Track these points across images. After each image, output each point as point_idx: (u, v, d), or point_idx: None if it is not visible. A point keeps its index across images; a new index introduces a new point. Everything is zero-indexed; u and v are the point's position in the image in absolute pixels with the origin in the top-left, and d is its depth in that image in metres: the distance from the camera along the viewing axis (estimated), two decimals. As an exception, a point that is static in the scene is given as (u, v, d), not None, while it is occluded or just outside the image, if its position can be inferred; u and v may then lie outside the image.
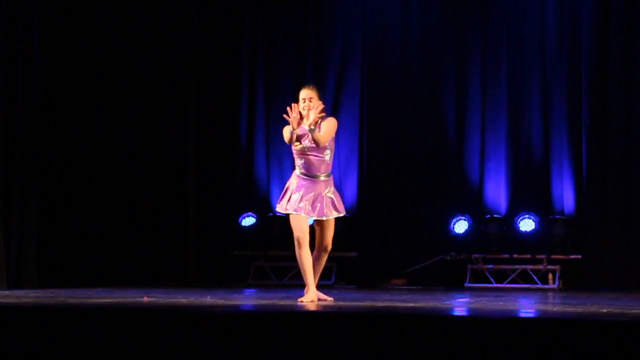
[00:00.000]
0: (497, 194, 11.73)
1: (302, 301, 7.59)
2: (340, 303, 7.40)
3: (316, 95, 8.07)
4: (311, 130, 7.86)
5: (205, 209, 12.44)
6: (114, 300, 7.37)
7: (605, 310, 6.65)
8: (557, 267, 11.25)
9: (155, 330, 5.86)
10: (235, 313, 6.20)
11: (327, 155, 8.04)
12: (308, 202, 7.92)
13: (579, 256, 11.22)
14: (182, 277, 12.07)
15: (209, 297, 7.99)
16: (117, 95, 11.34)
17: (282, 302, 7.46)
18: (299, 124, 7.96)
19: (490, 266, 11.47)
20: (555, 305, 7.65)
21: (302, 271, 7.88)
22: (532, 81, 11.73)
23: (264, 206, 12.30)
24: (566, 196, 11.42)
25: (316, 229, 8.12)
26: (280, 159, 12.45)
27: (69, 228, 10.61)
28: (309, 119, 7.90)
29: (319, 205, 7.98)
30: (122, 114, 11.40)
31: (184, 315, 6.10)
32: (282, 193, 8.13)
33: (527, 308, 7.25)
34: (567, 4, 11.56)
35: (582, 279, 11.14)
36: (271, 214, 12.21)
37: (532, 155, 11.64)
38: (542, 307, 7.44)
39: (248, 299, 8.29)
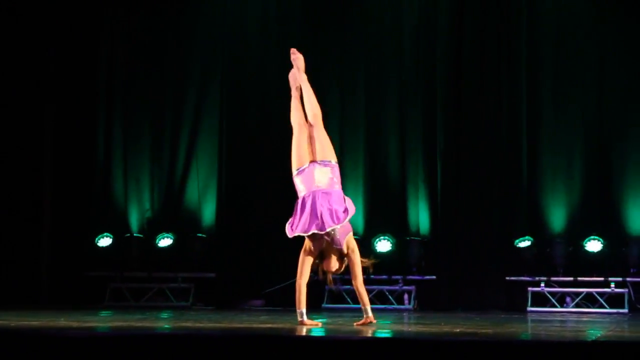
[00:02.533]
0: (354, 215, 11.83)
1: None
2: (198, 324, 7.35)
3: None
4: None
5: (60, 229, 12.17)
6: (-37, 324, 7.12)
7: (458, 330, 6.80)
8: (412, 287, 11.45)
9: (6, 354, 5.69)
10: (90, 336, 6.07)
11: None
12: None
13: (434, 277, 11.45)
14: (35, 298, 11.75)
15: (62, 319, 7.81)
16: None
17: (139, 324, 7.35)
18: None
19: (347, 287, 11.57)
20: (410, 326, 7.78)
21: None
22: (389, 105, 11.96)
23: (121, 227, 12.13)
24: (422, 218, 11.65)
25: None
26: (138, 180, 12.33)
27: None
28: None
29: None
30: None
31: (36, 338, 5.94)
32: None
33: (383, 328, 7.34)
34: (423, 32, 11.86)
35: (437, 299, 11.37)
36: (128, 235, 12.07)
37: (388, 178, 11.85)
38: (397, 327, 7.55)
39: (104, 321, 8.13)
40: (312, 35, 12.18)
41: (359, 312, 9.35)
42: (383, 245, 11.53)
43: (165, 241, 12.00)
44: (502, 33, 11.62)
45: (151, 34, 12.44)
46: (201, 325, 7.31)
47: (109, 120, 12.44)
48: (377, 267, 11.51)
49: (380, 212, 11.81)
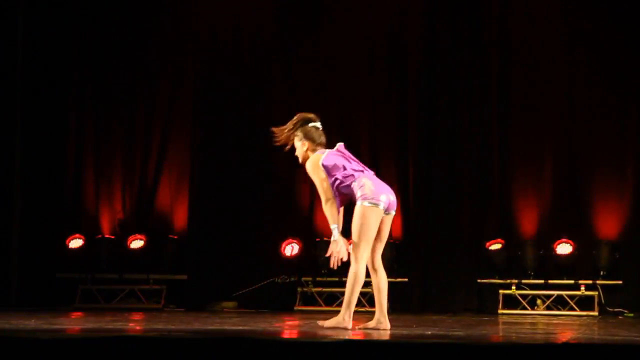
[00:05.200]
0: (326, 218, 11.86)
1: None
2: (170, 326, 7.33)
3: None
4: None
5: (31, 230, 12.08)
6: None
7: (430, 332, 6.83)
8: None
9: (-24, 357, 5.65)
10: (60, 337, 6.04)
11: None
12: None
13: (406, 279, 11.47)
14: (5, 300, 11.66)
15: (33, 321, 7.76)
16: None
17: (109, 326, 7.32)
18: None
19: (320, 289, 11.60)
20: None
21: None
22: (362, 106, 11.97)
23: (92, 228, 12.07)
24: (394, 220, 11.65)
25: None
26: (110, 180, 12.28)
27: None
28: None
29: None
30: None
31: (5, 340, 5.90)
32: None
33: (355, 331, 7.36)
34: (395, 41, 11.89)
35: (408, 301, 11.39)
36: (99, 236, 12.02)
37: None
38: (369, 329, 7.56)
39: (74, 323, 8.08)
40: (284, 42, 12.18)
41: (332, 313, 9.37)
42: (355, 247, 11.54)
43: (136, 243, 11.96)
44: (473, 44, 11.68)
45: (123, 35, 12.39)
46: (173, 327, 7.29)
47: (80, 121, 12.38)
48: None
49: (352, 214, 11.81)
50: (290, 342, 5.85)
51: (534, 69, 11.62)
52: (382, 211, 7.12)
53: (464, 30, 11.67)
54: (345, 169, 7.23)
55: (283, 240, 11.75)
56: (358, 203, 7.12)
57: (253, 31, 12.26)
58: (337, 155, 7.33)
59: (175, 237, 12.05)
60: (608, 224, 11.26)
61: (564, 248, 11.16)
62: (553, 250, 11.19)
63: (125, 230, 12.14)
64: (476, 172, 11.55)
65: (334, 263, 7.19)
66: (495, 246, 11.30)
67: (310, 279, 11.64)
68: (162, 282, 11.82)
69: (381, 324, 7.22)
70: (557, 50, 11.58)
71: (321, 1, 12.20)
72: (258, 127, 12.17)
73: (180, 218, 12.15)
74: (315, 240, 11.72)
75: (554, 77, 11.58)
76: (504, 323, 8.87)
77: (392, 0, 11.97)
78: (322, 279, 11.63)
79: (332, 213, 7.17)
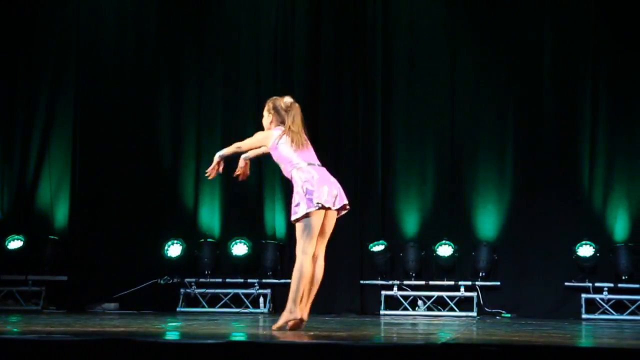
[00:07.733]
0: (211, 218, 11.84)
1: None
2: (49, 328, 7.19)
3: (267, 108, 7.53)
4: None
5: None
6: None
7: (312, 333, 6.87)
8: (268, 291, 11.48)
9: None
10: None
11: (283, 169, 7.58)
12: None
13: (289, 280, 11.48)
14: None
15: None
16: None
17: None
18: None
19: (203, 290, 11.54)
20: (265, 329, 7.81)
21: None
22: (246, 107, 11.95)
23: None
24: (278, 221, 11.69)
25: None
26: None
27: None
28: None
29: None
30: None
31: None
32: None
33: (238, 332, 7.35)
34: (281, 35, 11.93)
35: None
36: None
37: (245, 181, 11.84)
38: (252, 330, 7.57)
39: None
40: (169, 35, 12.12)
41: (215, 315, 9.35)
42: (239, 248, 11.53)
43: (15, 243, 11.70)
44: (358, 38, 11.79)
45: (3, 31, 12.10)
46: (52, 329, 7.16)
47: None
48: (233, 270, 11.59)
49: (237, 215, 11.81)
50: (170, 344, 5.82)
51: (417, 75, 11.78)
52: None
53: (348, 29, 11.78)
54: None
55: (166, 241, 11.64)
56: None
57: (137, 27, 12.13)
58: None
59: (56, 237, 11.83)
60: (487, 226, 11.50)
61: (444, 249, 11.36)
62: (434, 251, 11.37)
63: (3, 231, 11.85)
64: (359, 174, 11.64)
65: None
66: (378, 247, 11.42)
67: (193, 280, 11.57)
68: (41, 283, 11.59)
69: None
70: (440, 57, 11.77)
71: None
72: (142, 126, 12.08)
73: (61, 218, 11.94)
74: (199, 242, 11.67)
75: (436, 80, 11.76)
76: (386, 324, 8.98)
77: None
78: (205, 280, 11.58)
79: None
